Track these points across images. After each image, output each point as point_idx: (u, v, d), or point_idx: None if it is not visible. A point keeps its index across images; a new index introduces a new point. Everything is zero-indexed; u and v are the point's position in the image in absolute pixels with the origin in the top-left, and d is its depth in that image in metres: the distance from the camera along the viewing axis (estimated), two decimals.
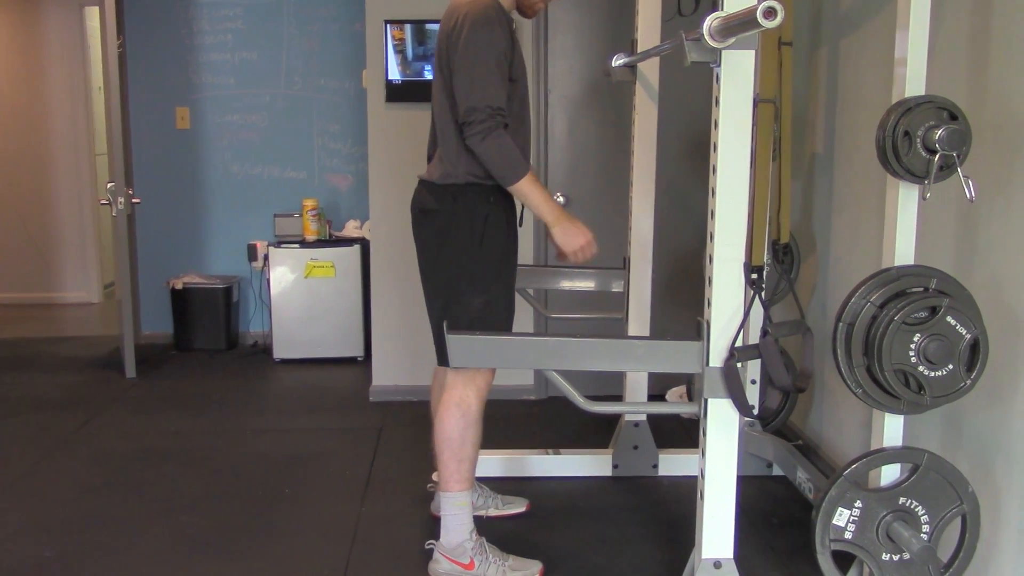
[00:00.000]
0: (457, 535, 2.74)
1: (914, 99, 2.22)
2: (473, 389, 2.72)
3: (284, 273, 5.40)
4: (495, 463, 3.54)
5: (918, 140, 2.20)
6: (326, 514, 3.28)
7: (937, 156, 2.18)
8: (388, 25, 4.40)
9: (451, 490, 2.74)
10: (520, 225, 2.89)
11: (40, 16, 7.01)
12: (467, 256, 2.69)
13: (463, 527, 2.74)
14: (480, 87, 2.55)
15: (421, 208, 2.83)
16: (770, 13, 1.78)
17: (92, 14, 7.00)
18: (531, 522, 3.10)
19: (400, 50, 4.42)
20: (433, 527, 2.98)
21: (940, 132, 2.16)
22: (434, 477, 3.34)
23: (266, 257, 5.53)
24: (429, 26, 4.40)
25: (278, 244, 5.44)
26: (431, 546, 2.82)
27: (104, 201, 5.12)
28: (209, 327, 5.73)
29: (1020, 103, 2.28)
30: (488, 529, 2.88)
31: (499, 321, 2.75)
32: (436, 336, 2.74)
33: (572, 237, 2.66)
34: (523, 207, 2.78)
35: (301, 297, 5.42)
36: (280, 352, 5.46)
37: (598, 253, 2.73)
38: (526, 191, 2.61)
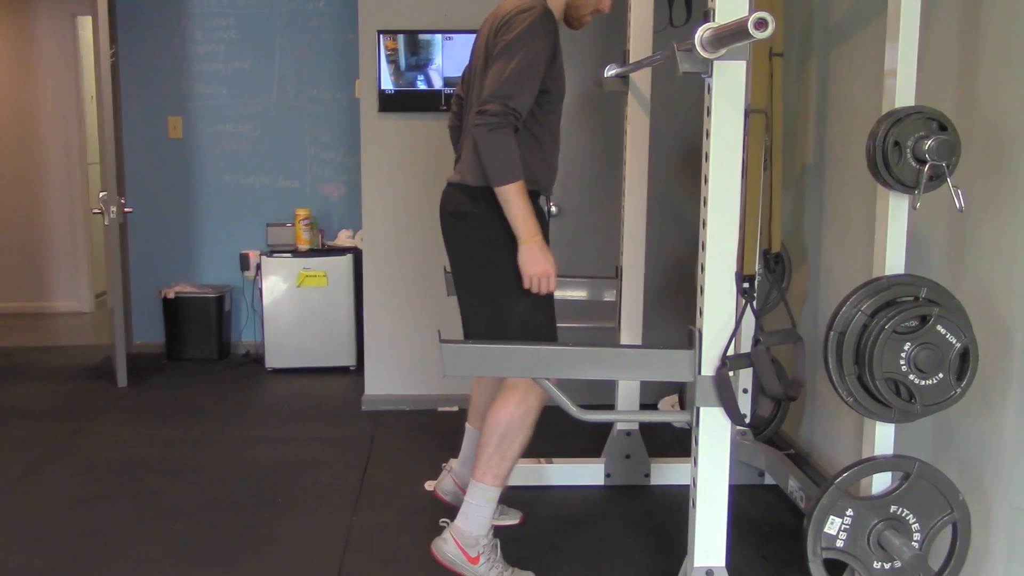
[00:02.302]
0: (476, 527, 2.74)
1: (904, 110, 2.24)
2: (538, 390, 2.71)
3: (276, 282, 5.40)
4: None
5: (908, 150, 2.22)
6: (318, 523, 3.27)
7: (927, 166, 2.19)
8: (381, 35, 4.41)
9: (484, 482, 2.74)
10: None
11: (32, 25, 7.01)
12: (508, 259, 2.66)
13: (483, 521, 2.75)
14: (508, 84, 2.56)
15: (454, 211, 2.81)
16: (761, 24, 1.79)
17: (84, 23, 7.01)
18: (524, 531, 3.10)
19: (393, 60, 4.43)
20: (427, 532, 2.99)
21: (930, 142, 2.18)
22: (444, 466, 3.35)
23: (258, 266, 5.52)
24: (422, 36, 4.41)
25: (270, 253, 5.44)
26: (444, 524, 2.82)
27: (96, 210, 5.11)
28: (201, 336, 5.72)
29: (1009, 113, 2.29)
30: None
31: (545, 323, 2.76)
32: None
33: (536, 263, 2.62)
34: (548, 212, 2.77)
35: (293, 306, 5.42)
36: (272, 361, 5.46)
37: (555, 284, 2.69)
38: (511, 197, 2.58)
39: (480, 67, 2.74)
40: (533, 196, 2.75)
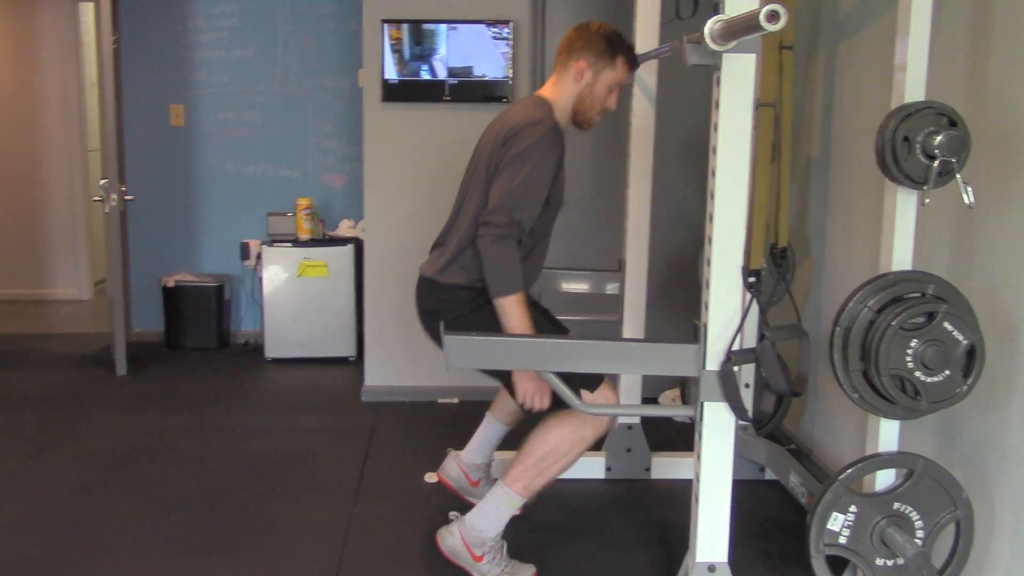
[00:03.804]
0: (488, 527, 2.73)
1: (914, 105, 2.22)
2: (593, 426, 2.70)
3: (277, 272, 5.38)
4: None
5: (917, 146, 2.20)
6: (318, 514, 3.26)
7: (936, 162, 2.18)
8: (385, 24, 4.39)
9: (511, 488, 2.72)
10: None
11: (34, 12, 6.98)
12: (490, 315, 2.68)
13: (497, 525, 2.74)
14: (515, 196, 2.60)
15: (428, 310, 2.85)
16: (773, 17, 1.77)
17: (86, 10, 6.98)
18: (524, 524, 3.09)
19: (397, 50, 4.41)
20: (427, 524, 2.98)
21: (940, 138, 2.16)
22: (448, 451, 3.34)
23: (259, 256, 5.50)
24: (426, 26, 4.39)
25: (271, 243, 5.42)
26: (455, 517, 2.81)
27: (97, 198, 5.09)
28: (201, 325, 5.70)
29: (1019, 109, 2.28)
30: None
31: None
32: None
33: (531, 378, 2.64)
34: (540, 296, 2.79)
35: (294, 296, 5.40)
36: (272, 351, 5.44)
37: (548, 402, 2.68)
38: (509, 309, 2.59)
39: (483, 168, 2.77)
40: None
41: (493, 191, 2.66)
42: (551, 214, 2.84)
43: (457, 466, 3.27)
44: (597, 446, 3.64)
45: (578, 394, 2.51)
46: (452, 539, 2.75)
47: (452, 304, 2.75)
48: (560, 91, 2.83)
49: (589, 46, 2.80)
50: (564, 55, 2.84)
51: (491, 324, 2.65)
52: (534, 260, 2.87)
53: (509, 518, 2.75)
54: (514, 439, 2.88)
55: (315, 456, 3.85)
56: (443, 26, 4.38)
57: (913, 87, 2.27)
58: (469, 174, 2.89)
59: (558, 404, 2.60)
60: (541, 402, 2.64)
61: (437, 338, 2.82)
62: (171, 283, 5.64)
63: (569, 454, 2.71)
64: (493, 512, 2.74)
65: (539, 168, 2.63)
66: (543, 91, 2.87)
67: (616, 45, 2.81)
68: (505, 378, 2.74)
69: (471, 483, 3.26)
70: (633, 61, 2.87)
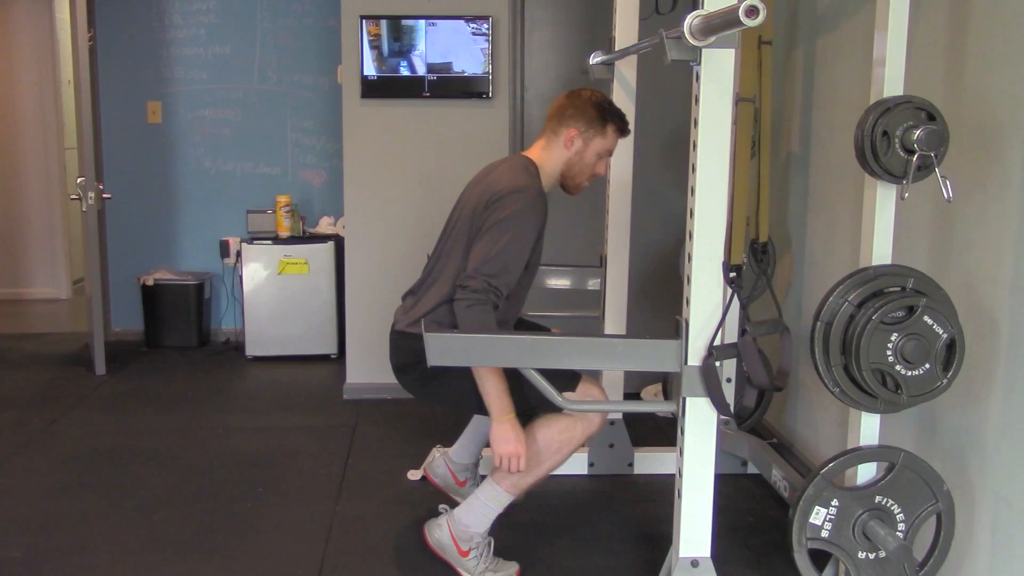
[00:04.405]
0: (476, 523, 2.74)
1: (893, 99, 2.23)
2: (585, 423, 2.72)
3: (257, 270, 5.36)
4: None
5: (896, 140, 2.20)
6: (300, 513, 3.25)
7: (915, 156, 2.19)
8: (364, 20, 4.37)
9: (500, 485, 2.73)
10: None
11: (8, 8, 6.92)
12: (462, 383, 2.69)
13: (485, 521, 2.75)
14: (494, 263, 2.61)
15: (401, 364, 2.86)
16: (752, 12, 1.77)
17: (61, 6, 6.92)
18: (507, 521, 3.08)
19: (376, 46, 4.39)
20: (410, 522, 2.97)
21: (918, 132, 2.17)
22: (433, 450, 3.34)
23: (239, 253, 5.48)
24: (405, 21, 4.37)
25: (251, 240, 5.39)
26: (444, 510, 2.82)
27: (74, 196, 5.05)
28: (180, 324, 5.67)
29: (997, 103, 2.29)
30: None
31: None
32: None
33: (507, 442, 2.62)
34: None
35: (274, 294, 5.38)
36: (252, 349, 5.42)
37: (524, 465, 2.66)
38: (485, 375, 2.60)
39: (464, 225, 2.78)
40: None
41: (473, 254, 2.67)
42: (529, 277, 2.87)
43: (444, 464, 3.27)
44: None
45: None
46: (440, 532, 2.75)
47: (420, 359, 2.71)
48: (549, 156, 2.86)
49: (580, 114, 2.82)
50: (555, 121, 2.86)
51: (462, 383, 2.67)
52: (511, 312, 2.90)
53: (497, 515, 2.76)
54: None
55: (297, 454, 3.84)
56: (422, 22, 4.37)
57: (892, 82, 2.27)
58: (449, 227, 2.89)
59: (545, 405, 2.59)
60: (518, 465, 2.64)
61: (414, 391, 2.89)
62: (150, 281, 5.60)
63: (558, 453, 2.72)
64: (481, 508, 2.74)
65: (521, 236, 2.65)
66: (531, 153, 2.89)
67: (607, 114, 2.84)
68: (472, 404, 2.75)
69: (458, 483, 3.26)
70: (623, 130, 2.90)
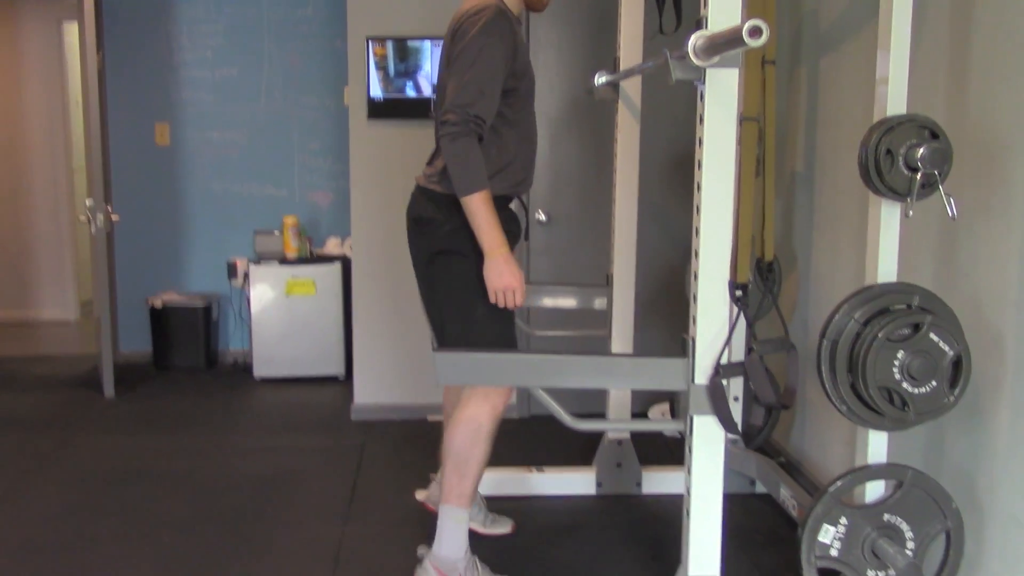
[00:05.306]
0: (451, 550, 2.72)
1: (896, 118, 2.24)
2: (488, 407, 2.70)
3: (264, 291, 5.37)
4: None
5: (900, 158, 2.22)
6: (309, 534, 3.25)
7: (919, 174, 2.19)
8: (370, 42, 4.40)
9: (450, 503, 2.72)
10: (526, 239, 2.80)
11: (18, 31, 6.98)
12: (467, 266, 2.64)
13: (458, 543, 2.72)
14: (467, 92, 2.52)
15: (418, 217, 2.77)
16: (755, 32, 1.79)
17: (71, 29, 6.97)
18: (515, 541, 3.09)
19: (382, 67, 4.42)
20: (418, 543, 2.96)
21: (922, 150, 2.18)
22: (432, 476, 3.33)
23: (246, 275, 5.50)
24: (411, 43, 4.40)
25: (258, 261, 5.41)
26: (423, 553, 2.80)
27: (83, 218, 5.08)
28: (188, 345, 5.68)
29: (1000, 121, 2.30)
30: (473, 546, 2.86)
31: (501, 333, 2.70)
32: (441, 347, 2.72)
33: (500, 276, 2.56)
34: (527, 222, 2.75)
35: (281, 315, 5.39)
36: (260, 370, 5.43)
37: (522, 298, 2.62)
38: (475, 208, 2.53)
39: (445, 73, 2.70)
40: (507, 200, 2.74)
41: (448, 89, 2.59)
42: (523, 106, 2.75)
43: (439, 490, 3.27)
44: (587, 461, 3.65)
45: None
46: (428, 574, 2.74)
47: (437, 213, 2.69)
48: None
49: None
50: None
51: (466, 250, 2.62)
52: (521, 162, 2.79)
53: (466, 532, 2.75)
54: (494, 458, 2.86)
55: (305, 476, 3.84)
56: (428, 43, 4.40)
57: (895, 100, 2.29)
58: (440, 81, 2.80)
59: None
60: (515, 298, 2.59)
61: (418, 264, 2.80)
62: (158, 303, 5.62)
63: (476, 444, 2.70)
64: (449, 535, 2.72)
65: (488, 58, 2.55)
66: None
67: None
68: (456, 307, 2.70)
69: None
70: None
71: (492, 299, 2.60)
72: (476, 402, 2.70)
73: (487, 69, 2.55)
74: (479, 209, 2.53)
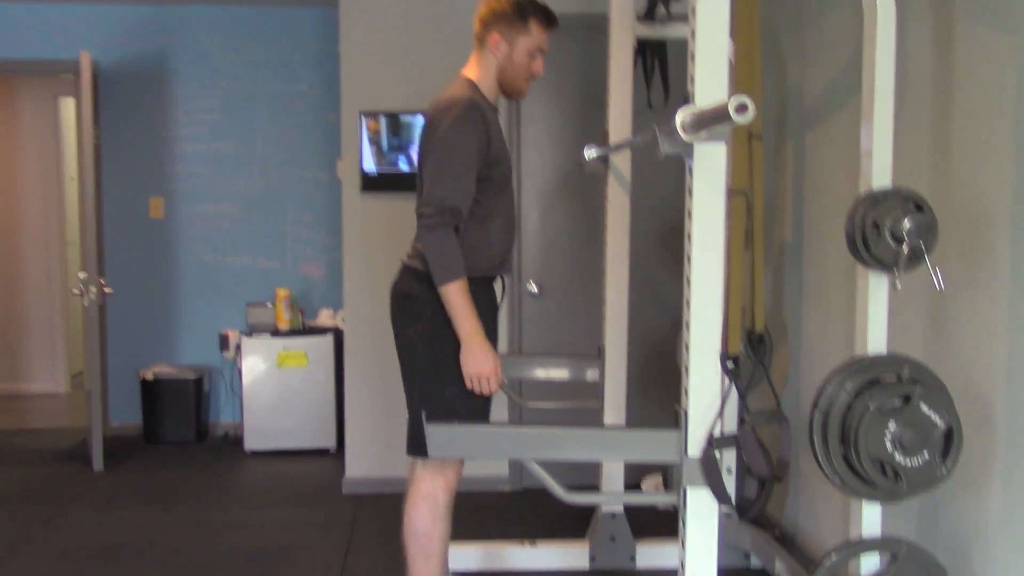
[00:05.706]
0: None
1: (881, 191, 2.28)
2: (442, 481, 2.69)
3: (256, 363, 5.36)
4: (470, 555, 3.48)
5: (886, 230, 2.24)
6: None
7: (905, 246, 2.22)
8: (363, 116, 4.46)
9: None
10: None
11: (14, 106, 7.06)
12: (443, 344, 2.65)
13: None
14: (441, 185, 2.58)
15: (402, 293, 2.78)
16: (741, 109, 1.82)
17: (67, 104, 7.06)
18: None
19: (375, 141, 4.48)
20: None
21: (908, 222, 2.21)
22: None
23: (238, 347, 5.48)
24: (404, 117, 4.47)
25: (250, 333, 5.40)
26: None
27: (76, 291, 5.08)
28: (179, 418, 5.64)
29: (983, 192, 2.34)
30: None
31: (475, 410, 2.70)
32: (410, 424, 2.71)
33: (476, 363, 2.59)
34: (503, 294, 2.78)
35: (273, 387, 5.37)
36: (251, 443, 5.38)
37: (496, 385, 2.64)
38: (451, 296, 2.57)
39: (422, 163, 2.75)
40: (490, 280, 2.77)
41: (424, 181, 2.64)
42: (498, 191, 2.76)
43: None
44: (580, 533, 3.61)
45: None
46: None
47: (419, 291, 2.69)
48: (482, 68, 2.78)
49: (499, 17, 2.74)
50: (479, 30, 2.77)
51: (444, 330, 2.62)
52: (499, 245, 2.80)
53: None
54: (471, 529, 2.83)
55: (296, 550, 3.79)
56: (420, 117, 4.46)
57: (880, 173, 2.32)
58: (421, 162, 2.82)
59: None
60: (489, 385, 2.60)
61: (398, 330, 2.78)
62: (149, 376, 5.60)
63: (437, 520, 2.69)
64: None
65: (460, 148, 2.59)
66: (466, 70, 2.81)
67: (525, 9, 2.72)
68: (426, 382, 2.69)
69: None
70: (548, 21, 2.77)
71: (468, 385, 2.62)
72: (430, 477, 2.69)
73: (459, 161, 2.60)
74: (454, 297, 2.57)
